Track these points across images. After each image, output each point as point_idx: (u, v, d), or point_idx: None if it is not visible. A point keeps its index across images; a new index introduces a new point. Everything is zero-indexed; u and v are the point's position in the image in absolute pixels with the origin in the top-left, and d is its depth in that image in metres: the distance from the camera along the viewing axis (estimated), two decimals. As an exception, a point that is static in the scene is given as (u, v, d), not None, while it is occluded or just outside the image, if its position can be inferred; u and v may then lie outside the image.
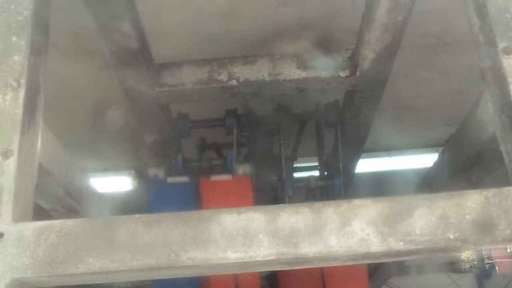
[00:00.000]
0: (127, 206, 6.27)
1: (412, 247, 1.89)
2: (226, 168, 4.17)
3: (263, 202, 4.81)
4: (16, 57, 2.15)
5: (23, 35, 2.19)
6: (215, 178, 3.97)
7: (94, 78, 4.34)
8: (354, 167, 5.31)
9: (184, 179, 3.95)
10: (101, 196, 3.27)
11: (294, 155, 4.88)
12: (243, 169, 3.94)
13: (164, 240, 1.87)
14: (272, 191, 4.87)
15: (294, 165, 4.78)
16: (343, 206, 1.94)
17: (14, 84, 2.10)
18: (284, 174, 4.30)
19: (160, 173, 3.93)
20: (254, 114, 4.17)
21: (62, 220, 1.93)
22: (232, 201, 4.02)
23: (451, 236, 1.89)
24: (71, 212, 2.79)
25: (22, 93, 2.10)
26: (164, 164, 4.00)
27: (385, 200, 1.95)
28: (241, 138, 4.36)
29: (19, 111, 2.07)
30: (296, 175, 4.75)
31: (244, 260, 1.86)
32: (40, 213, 2.47)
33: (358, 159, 5.35)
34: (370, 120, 4.26)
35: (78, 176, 2.61)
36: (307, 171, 4.88)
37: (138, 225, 1.91)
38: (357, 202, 1.95)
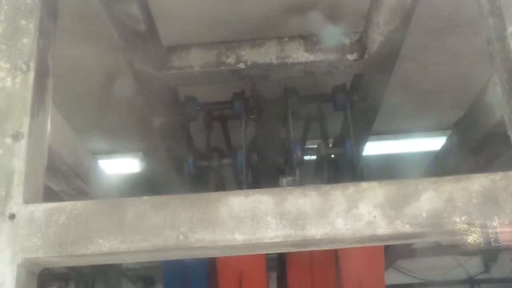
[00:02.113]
0: (135, 188, 6.35)
1: (418, 230, 1.91)
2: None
3: (271, 185, 4.84)
4: (25, 40, 2.17)
5: (31, 18, 2.20)
6: None
7: (102, 61, 4.35)
8: (361, 150, 5.31)
9: None
10: (110, 178, 3.29)
11: (303, 138, 4.89)
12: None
13: (173, 222, 1.90)
14: (280, 174, 4.89)
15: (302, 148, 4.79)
16: (350, 189, 1.95)
17: (24, 67, 2.12)
18: (292, 156, 4.31)
19: None
20: (262, 97, 4.17)
21: (72, 201, 1.96)
22: None
23: (458, 220, 1.90)
24: (81, 193, 2.82)
25: (31, 76, 2.12)
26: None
27: (392, 183, 1.97)
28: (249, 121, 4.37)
29: (28, 94, 2.08)
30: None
31: (252, 242, 1.88)
32: (50, 195, 2.50)
33: (366, 142, 5.35)
34: (378, 103, 4.25)
35: (87, 158, 2.63)
36: (315, 153, 4.87)
37: (147, 207, 1.93)
38: (364, 185, 1.96)
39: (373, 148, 5.98)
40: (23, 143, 2.00)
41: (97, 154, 5.66)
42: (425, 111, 5.65)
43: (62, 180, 2.63)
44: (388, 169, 6.04)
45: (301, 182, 3.97)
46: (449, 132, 4.44)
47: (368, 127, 4.81)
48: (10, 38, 2.16)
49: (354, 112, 4.31)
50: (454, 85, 5.12)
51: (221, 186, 4.84)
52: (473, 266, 9.25)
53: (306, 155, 4.28)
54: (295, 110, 4.23)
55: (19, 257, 1.85)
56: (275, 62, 3.62)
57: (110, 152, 6.20)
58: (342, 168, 4.40)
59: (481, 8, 2.39)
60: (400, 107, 5.43)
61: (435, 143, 5.59)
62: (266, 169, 4.96)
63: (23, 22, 2.20)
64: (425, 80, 5.07)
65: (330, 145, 4.54)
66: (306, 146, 4.66)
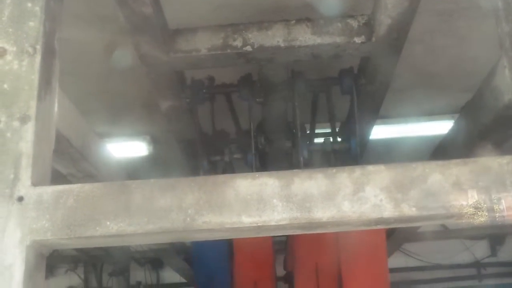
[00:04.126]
0: (143, 171, 6.39)
1: (425, 213, 1.91)
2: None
3: (278, 169, 4.84)
4: (31, 23, 2.16)
5: (37, 0, 2.20)
6: None
7: (109, 44, 4.34)
8: (368, 133, 5.31)
9: None
10: (117, 161, 3.30)
11: (310, 121, 4.89)
12: None
13: (180, 204, 1.91)
14: (287, 157, 4.91)
15: (309, 132, 4.79)
16: (357, 172, 1.95)
17: (30, 50, 2.12)
18: (299, 140, 4.32)
19: None
20: (268, 80, 4.16)
21: (79, 184, 1.97)
22: None
23: (464, 203, 1.90)
24: (88, 176, 2.84)
25: (38, 59, 2.12)
26: None
27: (398, 166, 1.96)
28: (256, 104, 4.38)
29: (35, 77, 2.08)
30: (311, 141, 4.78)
31: (258, 225, 1.89)
32: (58, 178, 2.51)
33: (373, 126, 5.34)
34: (385, 87, 4.23)
35: (94, 141, 2.65)
36: (322, 137, 4.89)
37: (154, 189, 1.94)
38: (370, 168, 1.96)
39: (380, 132, 5.97)
40: (30, 126, 2.00)
41: (104, 137, 5.69)
42: (432, 94, 5.62)
43: (70, 163, 2.64)
44: (395, 153, 6.05)
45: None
46: (456, 115, 4.42)
47: (375, 110, 4.80)
48: (17, 21, 2.16)
49: (361, 96, 4.30)
50: (462, 68, 5.09)
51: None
52: (480, 249, 9.26)
53: (312, 149, 4.31)
54: (302, 94, 4.23)
55: (28, 239, 1.86)
56: (282, 45, 3.60)
57: (117, 135, 6.22)
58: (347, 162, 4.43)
59: (491, -10, 2.37)
60: (407, 90, 5.41)
61: (442, 126, 5.58)
62: (274, 152, 4.98)
63: (29, 4, 2.20)
64: (432, 63, 5.04)
65: (336, 138, 4.55)
66: (314, 133, 4.66)
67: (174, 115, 4.39)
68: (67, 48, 3.57)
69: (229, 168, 4.80)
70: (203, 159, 4.35)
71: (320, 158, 4.70)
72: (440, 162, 1.96)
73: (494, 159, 1.93)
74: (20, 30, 2.15)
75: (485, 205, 1.88)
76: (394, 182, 1.94)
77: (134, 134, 6.29)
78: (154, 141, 6.33)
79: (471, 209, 1.90)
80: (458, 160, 1.95)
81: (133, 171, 5.96)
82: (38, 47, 2.13)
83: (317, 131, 4.86)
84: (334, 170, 1.96)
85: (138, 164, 6.37)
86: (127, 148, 6.27)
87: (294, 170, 1.97)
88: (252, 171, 4.10)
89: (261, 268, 4.49)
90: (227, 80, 4.44)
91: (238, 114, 4.84)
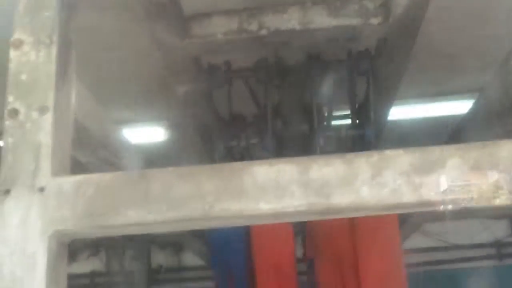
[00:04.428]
0: (162, 157, 6.42)
1: (444, 197, 1.90)
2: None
3: (295, 153, 4.85)
4: (47, 13, 2.17)
5: (54, -9, 2.20)
6: None
7: (125, 30, 4.34)
8: (386, 114, 5.27)
9: None
10: (135, 148, 3.32)
11: (327, 104, 4.86)
12: None
13: (198, 192, 1.91)
14: (304, 141, 4.89)
15: (326, 114, 4.77)
16: (375, 156, 1.94)
17: (47, 40, 2.13)
18: (316, 123, 4.31)
19: None
20: (284, 63, 4.14)
21: (99, 173, 1.99)
22: None
23: (484, 187, 1.88)
24: (107, 164, 2.86)
25: (54, 50, 2.13)
26: None
27: (417, 150, 1.95)
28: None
29: (52, 67, 2.10)
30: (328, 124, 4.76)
31: (277, 211, 1.89)
32: (77, 166, 2.54)
33: (391, 107, 5.29)
34: (402, 68, 4.18)
35: (112, 129, 2.66)
36: (339, 119, 4.87)
37: (172, 177, 1.95)
38: (388, 152, 1.95)
39: (398, 113, 5.92)
40: (49, 117, 2.02)
41: (122, 123, 5.73)
42: (450, 74, 5.54)
43: (89, 151, 2.66)
44: (413, 135, 6.01)
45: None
46: (475, 95, 4.37)
47: (392, 92, 4.76)
48: (33, 12, 2.17)
49: (378, 78, 4.26)
50: (480, 48, 5.00)
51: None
52: (500, 229, 9.19)
53: (327, 136, 4.31)
54: (318, 76, 4.20)
55: (50, 229, 1.89)
56: (297, 28, 3.58)
57: (135, 121, 6.25)
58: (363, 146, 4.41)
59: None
60: (425, 70, 5.34)
61: (461, 106, 5.52)
62: (291, 136, 4.97)
63: (46, -5, 2.20)
64: (450, 43, 4.96)
65: (354, 121, 4.53)
66: (331, 116, 4.64)
67: (191, 100, 4.39)
68: (83, 34, 3.58)
69: (246, 153, 4.81)
70: (220, 145, 4.36)
71: (336, 143, 4.68)
72: (458, 146, 1.94)
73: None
74: (36, 20, 2.16)
75: (506, 186, 1.87)
76: (412, 166, 1.92)
77: (151, 119, 6.31)
78: (171, 126, 6.34)
79: (491, 189, 1.89)
80: (477, 143, 1.93)
81: (151, 157, 5.99)
82: (55, 37, 2.14)
83: (335, 113, 4.83)
84: (352, 155, 1.95)
85: (156, 150, 6.40)
86: (145, 134, 6.30)
87: (311, 156, 1.97)
88: (269, 156, 4.10)
89: (281, 251, 4.51)
90: (244, 64, 4.41)
91: (255, 98, 4.82)
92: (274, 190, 1.91)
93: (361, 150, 4.61)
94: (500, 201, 1.88)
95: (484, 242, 9.11)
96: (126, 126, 5.79)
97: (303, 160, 1.94)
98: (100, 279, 9.19)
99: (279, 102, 4.72)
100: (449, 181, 1.89)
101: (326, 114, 4.68)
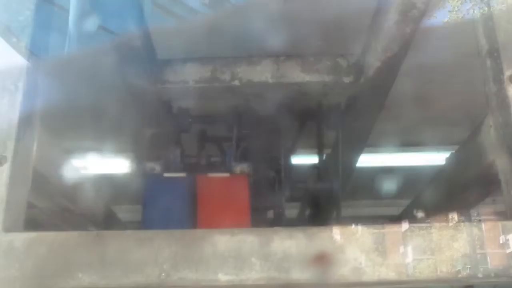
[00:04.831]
0: (127, 189, 6.30)
1: (404, 278, 1.89)
2: (224, 165, 4.19)
3: (261, 197, 4.82)
4: (14, 59, 2.11)
5: (23, 36, 2.15)
6: (213, 175, 3.98)
7: (97, 64, 4.28)
8: (355, 163, 5.29)
9: (181, 174, 3.95)
10: (96, 193, 3.25)
11: (293, 151, 4.86)
12: (240, 168, 3.95)
13: (156, 259, 1.86)
14: (270, 186, 4.86)
15: (293, 163, 4.76)
16: (337, 232, 1.92)
17: (12, 87, 2.07)
18: (283, 173, 4.29)
19: (157, 167, 3.93)
20: (255, 113, 4.13)
21: (53, 232, 1.92)
22: (228, 199, 4.05)
23: (444, 269, 1.89)
24: (65, 211, 2.78)
25: (19, 97, 2.07)
26: (162, 159, 3.99)
27: (379, 227, 1.94)
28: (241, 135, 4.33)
29: (15, 116, 2.04)
30: (295, 173, 4.75)
31: (235, 283, 1.85)
32: (32, 213, 2.46)
33: (359, 156, 5.32)
34: (371, 124, 4.22)
35: (73, 176, 2.59)
36: (305, 168, 4.86)
37: (130, 241, 1.90)
38: (352, 229, 1.93)
39: (367, 160, 5.96)
40: (6, 168, 1.95)
41: (88, 152, 5.61)
42: (422, 126, 5.60)
43: (47, 199, 2.59)
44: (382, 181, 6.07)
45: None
46: (449, 146, 4.40)
47: (361, 145, 4.79)
48: (1, 56, 2.11)
49: (348, 130, 4.29)
50: (453, 102, 5.07)
51: None
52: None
53: (295, 192, 4.32)
54: (288, 127, 4.20)
55: (-4, 289, 1.81)
56: (270, 81, 3.58)
57: (102, 151, 6.13)
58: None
59: (480, 48, 2.36)
60: (396, 121, 5.39)
61: (433, 157, 5.60)
62: (258, 181, 4.93)
63: (14, 40, 2.15)
64: (422, 96, 5.01)
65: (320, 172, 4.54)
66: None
67: (159, 143, 4.33)
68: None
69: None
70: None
71: (303, 193, 4.66)
72: (420, 225, 1.95)
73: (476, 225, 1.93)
74: (3, 66, 2.11)
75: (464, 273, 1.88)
76: (375, 244, 1.91)
77: (119, 151, 6.21)
78: (138, 159, 6.23)
79: (448, 276, 1.90)
80: (439, 225, 1.94)
81: (116, 189, 5.89)
82: (20, 84, 2.09)
83: (301, 162, 4.83)
84: (315, 229, 1.93)
85: (122, 182, 6.29)
86: (111, 164, 6.20)
87: (274, 228, 1.93)
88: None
89: None
90: (214, 111, 4.37)
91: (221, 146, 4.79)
92: (234, 261, 1.87)
93: (328, 201, 4.65)
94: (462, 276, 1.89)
95: None
96: (92, 155, 5.68)
97: (265, 231, 1.92)
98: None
99: (247, 147, 4.69)
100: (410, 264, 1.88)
101: (292, 165, 4.67)
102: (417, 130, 5.71)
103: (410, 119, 5.38)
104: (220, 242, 1.89)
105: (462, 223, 1.94)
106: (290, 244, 1.90)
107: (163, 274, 1.84)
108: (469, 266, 1.88)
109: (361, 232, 1.93)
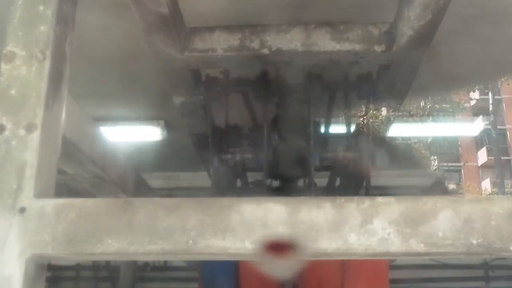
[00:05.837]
0: (157, 156, 6.37)
1: (433, 249, 1.86)
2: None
3: (291, 167, 4.83)
4: (42, 27, 2.11)
5: (49, 4, 2.14)
6: None
7: (126, 30, 4.28)
8: (385, 132, 5.25)
9: None
10: (125, 161, 3.28)
11: (323, 121, 4.83)
12: None
13: (183, 226, 1.87)
14: (299, 158, 4.85)
15: (323, 133, 4.74)
16: (366, 203, 1.90)
17: (40, 55, 2.07)
18: (312, 142, 4.27)
19: None
20: (284, 81, 4.09)
21: (82, 198, 1.93)
22: None
23: (474, 242, 1.85)
24: (96, 177, 2.82)
25: (47, 65, 2.07)
26: None
27: (409, 199, 1.91)
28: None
29: (43, 84, 2.04)
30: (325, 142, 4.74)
31: (262, 251, 1.85)
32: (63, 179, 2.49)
33: (390, 126, 5.28)
34: (403, 94, 4.14)
35: (102, 144, 2.62)
36: (336, 138, 4.84)
37: (157, 208, 1.90)
38: (380, 199, 1.91)
39: (398, 131, 5.92)
40: (36, 135, 1.97)
41: (119, 120, 5.69)
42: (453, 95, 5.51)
43: (77, 165, 2.62)
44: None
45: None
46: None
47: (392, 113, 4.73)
48: (27, 25, 2.11)
49: (379, 101, 4.23)
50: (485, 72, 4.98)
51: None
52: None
53: (324, 161, 4.29)
54: (318, 97, 4.16)
55: (28, 252, 1.84)
56: (300, 49, 3.52)
57: (131, 120, 6.21)
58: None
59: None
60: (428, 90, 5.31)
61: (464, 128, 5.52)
62: (286, 150, 4.93)
63: (41, 8, 2.15)
64: (455, 66, 4.93)
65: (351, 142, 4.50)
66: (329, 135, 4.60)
67: (187, 111, 4.34)
68: (85, 31, 3.52)
69: (240, 167, 4.77)
70: (214, 156, 4.32)
71: (332, 163, 4.64)
72: (452, 198, 1.91)
73: (508, 198, 1.87)
74: (30, 34, 2.11)
75: (495, 246, 1.84)
76: (403, 215, 1.89)
77: (148, 118, 6.27)
78: (168, 126, 6.30)
79: (480, 249, 1.86)
80: (471, 197, 1.90)
81: (146, 156, 5.97)
82: (48, 52, 2.09)
83: (332, 134, 4.81)
84: (342, 199, 1.91)
85: (151, 149, 6.37)
86: (141, 132, 6.27)
87: (301, 197, 1.92)
88: (262, 173, 4.06)
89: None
90: (244, 74, 4.34)
91: (252, 113, 4.78)
92: (261, 229, 1.87)
93: (357, 171, 4.63)
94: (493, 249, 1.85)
95: (472, 263, 9.08)
96: (122, 123, 5.75)
97: (293, 200, 1.90)
98: (85, 272, 9.14)
99: (277, 116, 4.67)
100: (440, 235, 1.85)
101: (323, 134, 4.65)
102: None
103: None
104: (246, 211, 1.89)
105: (494, 196, 1.89)
106: (318, 214, 1.88)
107: (190, 241, 1.85)
108: (500, 239, 1.84)
109: (389, 203, 1.90)
